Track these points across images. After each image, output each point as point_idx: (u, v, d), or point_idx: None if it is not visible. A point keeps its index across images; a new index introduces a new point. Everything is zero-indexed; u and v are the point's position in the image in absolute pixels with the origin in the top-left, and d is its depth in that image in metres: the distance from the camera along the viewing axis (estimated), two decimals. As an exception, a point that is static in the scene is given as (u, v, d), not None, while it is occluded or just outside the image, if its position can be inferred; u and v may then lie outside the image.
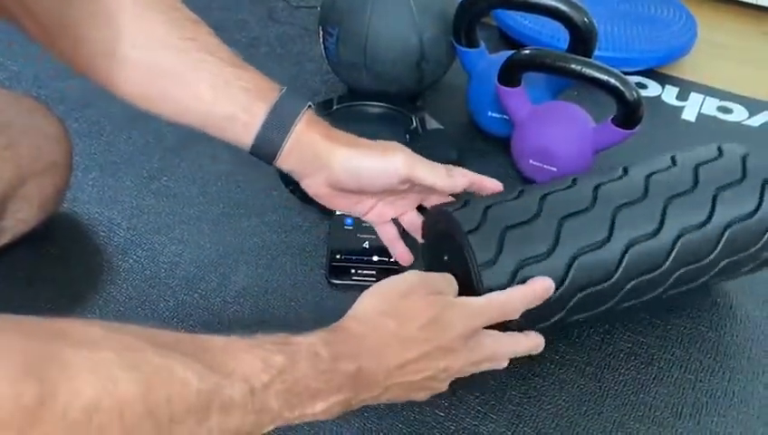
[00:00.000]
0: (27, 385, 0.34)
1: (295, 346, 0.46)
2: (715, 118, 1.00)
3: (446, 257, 0.61)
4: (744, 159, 0.64)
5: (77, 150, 0.76)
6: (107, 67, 0.58)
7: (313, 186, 0.62)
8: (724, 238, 0.61)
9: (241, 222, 0.78)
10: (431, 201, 0.66)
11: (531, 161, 0.82)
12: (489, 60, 0.89)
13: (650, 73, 1.07)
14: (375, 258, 0.72)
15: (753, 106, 1.02)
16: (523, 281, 0.56)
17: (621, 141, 0.78)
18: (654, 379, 0.64)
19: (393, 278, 0.54)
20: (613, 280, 0.58)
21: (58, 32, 0.58)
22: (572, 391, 0.63)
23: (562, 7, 0.79)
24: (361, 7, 0.88)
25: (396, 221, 0.67)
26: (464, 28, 0.87)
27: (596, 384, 0.64)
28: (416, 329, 0.51)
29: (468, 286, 0.56)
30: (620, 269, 0.58)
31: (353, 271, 0.71)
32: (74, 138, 0.75)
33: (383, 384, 0.50)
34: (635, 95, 0.73)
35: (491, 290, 0.55)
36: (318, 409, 0.47)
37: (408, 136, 0.85)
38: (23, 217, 0.69)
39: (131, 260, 0.73)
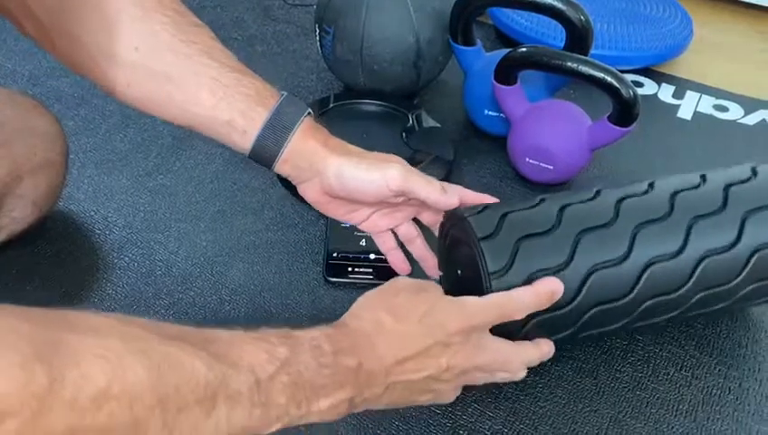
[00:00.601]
0: (35, 372, 0.33)
1: (298, 339, 0.47)
2: (710, 116, 1.00)
3: (458, 267, 0.60)
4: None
5: (73, 148, 0.76)
6: (107, 69, 0.58)
7: (309, 192, 0.63)
8: (751, 263, 0.58)
9: (237, 220, 0.78)
10: (425, 216, 0.66)
11: (527, 159, 0.82)
12: (486, 58, 0.89)
13: (647, 72, 1.07)
14: (372, 256, 0.72)
15: (749, 104, 1.02)
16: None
17: (617, 139, 0.78)
18: (650, 376, 0.64)
19: (389, 281, 0.55)
20: (629, 298, 0.56)
21: (58, 33, 0.58)
22: (569, 387, 0.63)
23: (559, 5, 0.79)
24: (358, 5, 0.88)
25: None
26: (460, 26, 0.87)
27: (592, 381, 0.64)
28: (412, 324, 0.51)
29: (478, 294, 0.55)
30: (637, 288, 0.56)
31: (350, 269, 0.71)
32: (70, 136, 0.74)
33: (384, 382, 0.49)
34: (631, 93, 0.73)
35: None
36: (323, 405, 0.46)
37: (404, 134, 0.85)
38: (18, 216, 0.69)
39: (127, 258, 0.73)
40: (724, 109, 1.01)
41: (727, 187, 0.60)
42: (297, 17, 1.14)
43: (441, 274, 0.65)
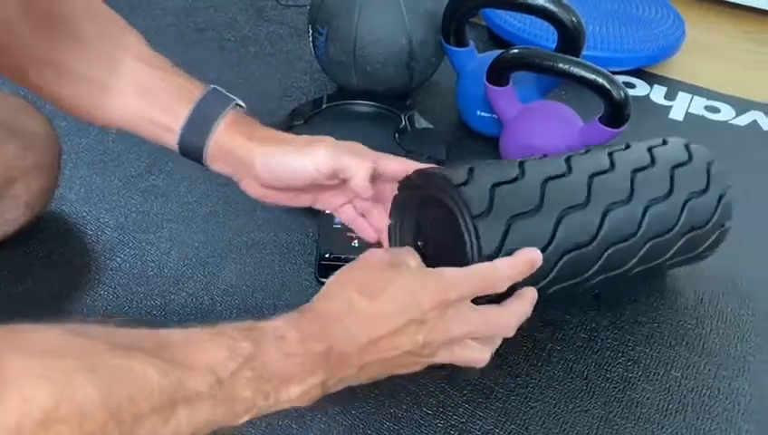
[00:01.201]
0: None
1: (261, 331, 0.45)
2: (702, 117, 1.00)
3: (420, 239, 0.59)
4: (687, 146, 0.69)
5: (65, 149, 0.76)
6: (38, 72, 0.59)
7: (249, 188, 0.62)
8: (685, 211, 0.64)
9: (229, 220, 0.78)
10: (379, 188, 0.61)
11: (519, 160, 0.82)
12: (478, 59, 0.89)
13: (639, 73, 1.07)
14: (363, 257, 0.72)
15: (740, 105, 1.02)
16: (510, 252, 0.54)
17: (609, 140, 0.78)
18: (640, 376, 0.65)
19: (362, 254, 0.54)
20: (595, 243, 0.58)
21: None
22: (559, 388, 0.63)
23: (551, 7, 0.79)
24: (351, 6, 0.88)
25: None
26: (453, 27, 0.87)
27: (583, 381, 0.64)
28: (385, 302, 0.49)
29: (455, 257, 0.54)
30: (601, 232, 0.59)
31: (342, 269, 0.71)
32: (62, 136, 0.75)
33: (357, 363, 0.48)
34: (622, 94, 0.74)
35: (484, 248, 0.53)
36: (294, 394, 0.45)
37: (397, 135, 0.85)
38: (10, 217, 0.69)
39: (119, 259, 0.73)
40: (715, 110, 1.02)
41: (650, 148, 0.67)
42: (290, 18, 1.14)
43: (390, 223, 0.63)
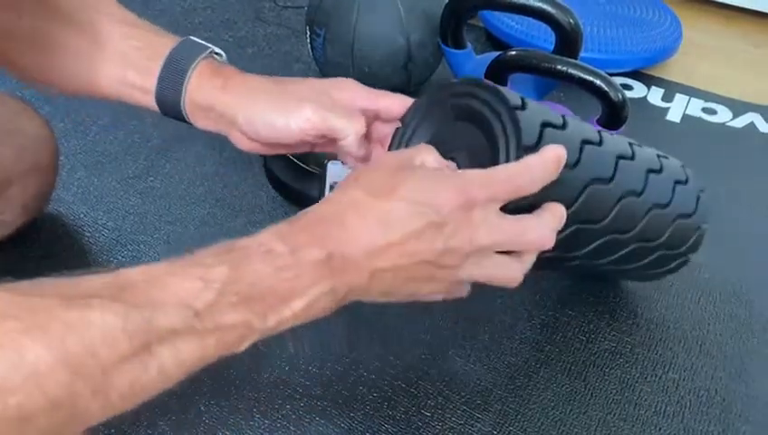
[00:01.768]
0: None
1: (241, 251, 0.41)
2: (699, 119, 1.00)
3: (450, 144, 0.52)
4: (658, 156, 0.65)
5: (62, 150, 0.76)
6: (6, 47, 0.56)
7: (239, 142, 0.57)
8: (675, 194, 0.62)
9: (227, 222, 0.78)
10: (378, 129, 0.57)
11: (517, 162, 0.82)
12: (476, 61, 0.89)
13: (636, 75, 1.08)
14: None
15: (737, 107, 1.03)
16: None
17: (607, 142, 0.78)
18: (638, 378, 0.65)
19: (376, 159, 0.49)
20: (612, 184, 0.54)
21: None
22: (558, 390, 0.63)
23: (549, 9, 0.79)
24: (348, 8, 0.88)
25: None
26: (451, 29, 0.87)
27: (581, 383, 0.64)
28: (396, 200, 0.42)
29: (490, 156, 0.48)
30: (617, 175, 0.54)
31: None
32: (60, 138, 0.74)
33: (367, 267, 0.42)
34: (619, 96, 0.74)
35: (522, 142, 0.46)
36: (297, 308, 0.41)
37: (394, 136, 0.85)
38: (7, 219, 0.69)
39: (116, 261, 0.72)
40: (712, 112, 1.02)
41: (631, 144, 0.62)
42: (288, 19, 1.14)
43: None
